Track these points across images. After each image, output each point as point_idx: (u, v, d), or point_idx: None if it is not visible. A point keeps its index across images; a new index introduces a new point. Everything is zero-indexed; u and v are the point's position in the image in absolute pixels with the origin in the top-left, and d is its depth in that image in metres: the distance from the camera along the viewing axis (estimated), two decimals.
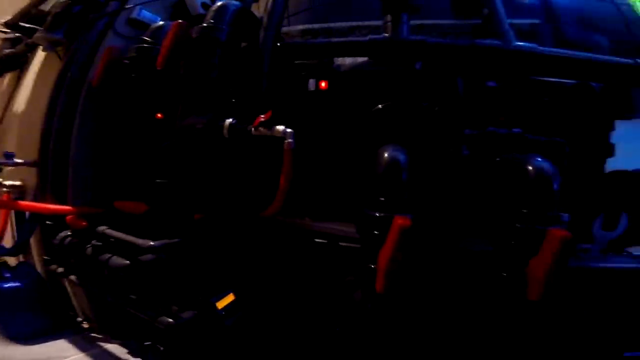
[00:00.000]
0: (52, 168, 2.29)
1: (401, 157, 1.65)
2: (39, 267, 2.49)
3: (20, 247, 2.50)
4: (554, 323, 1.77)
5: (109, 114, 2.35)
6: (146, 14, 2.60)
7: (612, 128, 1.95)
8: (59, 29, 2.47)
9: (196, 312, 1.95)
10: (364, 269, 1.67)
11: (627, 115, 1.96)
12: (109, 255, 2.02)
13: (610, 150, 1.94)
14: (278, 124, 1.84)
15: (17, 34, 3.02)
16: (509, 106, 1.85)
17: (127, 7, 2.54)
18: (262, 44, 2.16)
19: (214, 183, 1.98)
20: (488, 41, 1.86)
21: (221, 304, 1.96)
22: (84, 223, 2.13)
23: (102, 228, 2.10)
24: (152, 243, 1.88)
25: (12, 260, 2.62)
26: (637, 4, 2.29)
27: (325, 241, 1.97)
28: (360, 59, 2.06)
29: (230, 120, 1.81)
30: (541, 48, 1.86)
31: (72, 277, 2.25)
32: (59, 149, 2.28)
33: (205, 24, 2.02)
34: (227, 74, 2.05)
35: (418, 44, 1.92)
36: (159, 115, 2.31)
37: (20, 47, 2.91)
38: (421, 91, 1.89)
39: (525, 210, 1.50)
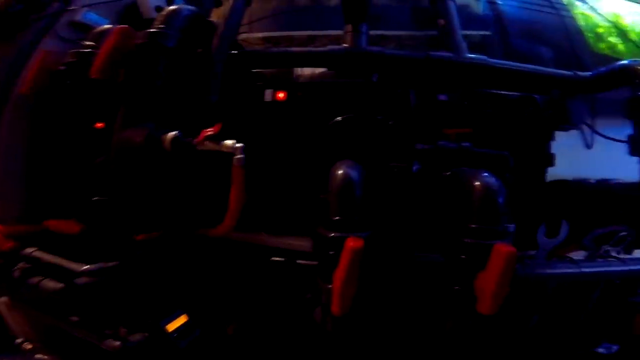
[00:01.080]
0: None
1: (354, 174, 1.52)
2: None
3: None
4: (505, 331, 1.76)
5: (43, 124, 2.04)
6: (92, 17, 2.31)
7: (553, 138, 1.96)
8: None
9: (146, 334, 1.79)
10: (321, 288, 1.58)
11: (566, 126, 1.97)
12: (40, 278, 1.74)
13: (550, 160, 1.95)
14: (230, 137, 1.63)
15: None
16: (459, 119, 1.80)
17: (71, 8, 2.30)
18: (215, 51, 2.01)
19: (156, 200, 1.75)
20: (441, 53, 1.80)
21: (172, 326, 1.77)
22: (9, 244, 1.84)
23: (30, 250, 1.81)
24: (86, 267, 1.64)
25: None
26: (580, 15, 2.34)
27: (282, 259, 1.85)
28: (319, 70, 1.94)
29: (174, 132, 1.59)
30: (492, 60, 1.81)
31: (4, 299, 1.95)
32: None
33: (152, 29, 1.80)
34: (175, 83, 1.82)
35: (375, 56, 1.82)
36: (99, 124, 2.04)
37: None
38: (377, 104, 1.78)
39: (472, 225, 1.46)
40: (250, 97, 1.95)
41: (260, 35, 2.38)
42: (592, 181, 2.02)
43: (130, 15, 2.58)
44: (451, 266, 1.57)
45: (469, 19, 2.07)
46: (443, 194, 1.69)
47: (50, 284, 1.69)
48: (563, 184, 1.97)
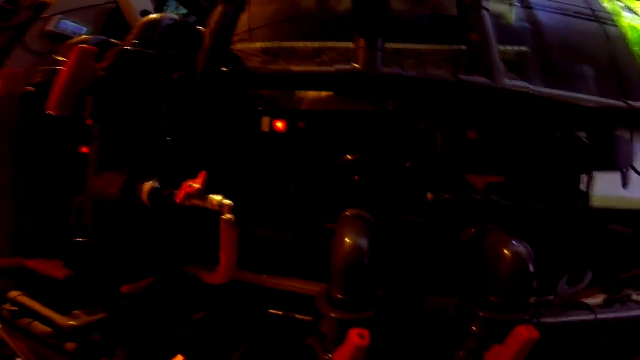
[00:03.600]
0: None
1: (363, 244, 1.12)
2: None
3: None
4: None
5: (23, 153, 1.60)
6: (69, 26, 1.84)
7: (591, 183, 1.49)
8: None
9: None
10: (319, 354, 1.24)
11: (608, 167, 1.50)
12: (30, 320, 1.46)
13: (586, 207, 1.49)
14: (221, 173, 1.27)
15: None
16: (490, 163, 1.34)
17: (42, 17, 1.85)
18: (200, 70, 1.52)
19: (140, 246, 1.38)
20: (475, 78, 1.30)
21: None
22: None
23: (15, 294, 1.50)
24: (72, 323, 1.33)
25: None
26: (628, 27, 1.82)
27: (281, 313, 1.50)
28: (325, 94, 1.45)
29: (152, 183, 1.18)
30: (535, 88, 1.31)
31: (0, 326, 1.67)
32: None
33: (123, 47, 1.36)
34: (153, 112, 1.40)
35: (392, 79, 1.33)
36: (85, 149, 1.59)
37: None
38: (392, 140, 1.35)
39: (492, 299, 1.15)
40: (244, 125, 1.50)
41: (258, 45, 1.92)
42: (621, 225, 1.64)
43: (114, 22, 2.14)
44: (462, 334, 1.24)
45: (502, 30, 1.59)
46: (462, 255, 1.30)
47: (39, 327, 1.42)
48: (594, 231, 1.55)
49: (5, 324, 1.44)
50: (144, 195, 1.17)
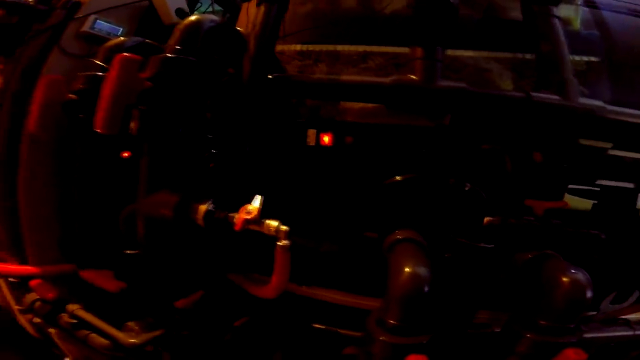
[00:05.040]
0: (5, 224, 1.56)
1: (424, 273, 1.03)
2: (13, 309, 1.81)
3: None
4: None
5: (67, 162, 1.51)
6: (104, 26, 1.67)
7: None
8: None
9: None
10: None
11: None
12: (88, 332, 1.42)
13: None
14: (264, 187, 1.16)
15: None
16: (554, 188, 1.19)
17: (76, 17, 1.67)
18: (247, 76, 1.37)
19: (192, 260, 1.32)
20: (547, 95, 1.12)
21: None
22: (51, 294, 1.48)
23: (73, 307, 1.45)
24: (133, 341, 1.28)
25: None
26: None
27: (324, 327, 1.43)
28: (376, 107, 1.30)
29: (206, 206, 1.09)
30: (613, 108, 1.13)
31: (52, 330, 1.62)
32: (6, 202, 1.52)
33: (166, 55, 1.19)
34: (199, 124, 1.28)
35: (454, 94, 1.18)
36: (125, 154, 1.50)
37: None
38: (449, 160, 1.21)
39: (542, 322, 1.07)
40: (288, 136, 1.37)
41: (295, 47, 1.75)
42: None
43: (148, 20, 1.98)
44: (505, 351, 1.16)
45: (569, 37, 1.39)
46: (514, 278, 1.20)
47: (99, 339, 1.38)
48: None
49: (63, 333, 1.40)
50: (199, 217, 1.09)
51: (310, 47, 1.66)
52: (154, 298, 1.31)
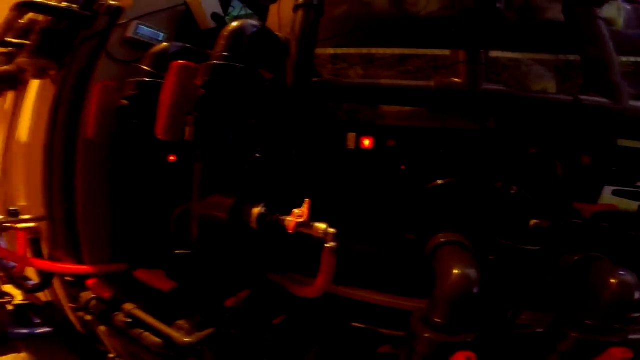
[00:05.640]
0: (63, 225, 1.61)
1: (473, 275, 1.04)
2: (65, 307, 1.93)
3: (45, 283, 1.90)
4: None
5: (119, 166, 1.58)
6: (146, 31, 1.71)
7: None
8: (44, 51, 1.63)
9: None
10: None
11: None
12: (141, 331, 1.46)
13: None
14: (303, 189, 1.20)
15: (9, 49, 2.18)
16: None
17: (120, 23, 1.69)
18: (290, 81, 1.37)
19: (242, 260, 1.36)
20: (596, 98, 1.09)
21: None
22: (107, 294, 1.53)
23: (129, 307, 1.50)
24: (187, 340, 1.30)
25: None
26: None
27: (364, 326, 1.45)
28: (417, 110, 1.32)
29: (259, 209, 1.11)
30: None
31: (102, 328, 1.69)
32: (65, 204, 1.58)
33: (214, 62, 1.21)
34: (247, 129, 1.31)
35: (500, 98, 1.17)
36: (172, 157, 1.57)
37: (12, 65, 2.00)
38: (494, 162, 1.20)
39: (588, 322, 1.06)
40: (328, 140, 1.38)
41: (330, 51, 1.74)
42: None
43: (186, 25, 2.01)
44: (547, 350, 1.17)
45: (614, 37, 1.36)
46: (561, 279, 1.19)
47: (151, 339, 1.42)
48: None
49: (115, 330, 1.46)
50: (253, 220, 1.11)
51: (345, 51, 1.66)
52: (205, 297, 1.35)
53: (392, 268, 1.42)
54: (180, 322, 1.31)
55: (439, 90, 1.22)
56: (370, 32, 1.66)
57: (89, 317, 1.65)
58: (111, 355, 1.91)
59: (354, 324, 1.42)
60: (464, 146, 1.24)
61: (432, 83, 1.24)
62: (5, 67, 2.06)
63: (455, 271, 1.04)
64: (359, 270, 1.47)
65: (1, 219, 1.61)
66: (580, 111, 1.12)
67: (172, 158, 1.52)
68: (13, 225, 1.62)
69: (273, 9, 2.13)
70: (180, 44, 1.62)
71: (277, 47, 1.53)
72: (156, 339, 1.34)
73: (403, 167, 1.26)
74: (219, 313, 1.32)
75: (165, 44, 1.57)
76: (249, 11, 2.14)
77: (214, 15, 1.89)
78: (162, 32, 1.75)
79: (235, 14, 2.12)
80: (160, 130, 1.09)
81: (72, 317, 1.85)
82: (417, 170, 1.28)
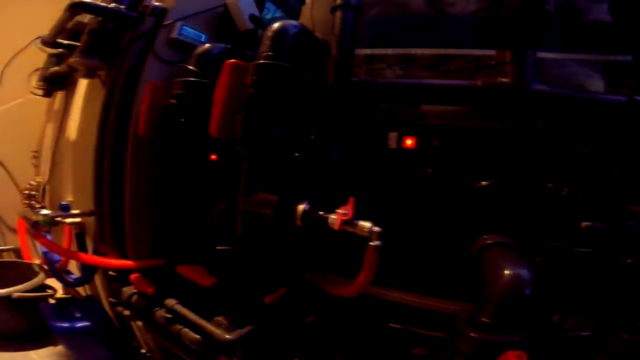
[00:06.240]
0: (110, 219, 1.66)
1: (526, 276, 1.00)
2: (104, 301, 2.00)
3: (87, 277, 1.97)
4: None
5: (160, 161, 1.61)
6: (189, 32, 1.75)
7: None
8: (94, 52, 1.69)
9: None
10: None
11: None
12: (180, 327, 1.46)
13: None
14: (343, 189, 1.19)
15: (60, 50, 2.23)
16: None
17: (165, 23, 1.73)
18: (332, 81, 1.36)
19: (282, 257, 1.36)
20: None
21: None
22: (150, 290, 1.54)
23: (171, 302, 1.50)
24: (228, 337, 1.29)
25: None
26: None
27: (401, 327, 1.43)
28: (461, 110, 1.30)
29: (304, 206, 1.12)
30: None
31: (139, 323, 1.75)
32: (113, 199, 1.62)
33: (261, 60, 1.23)
34: (290, 128, 1.30)
35: (551, 97, 1.16)
36: (213, 156, 1.58)
37: (63, 66, 2.12)
38: (543, 163, 1.16)
39: None
40: (368, 140, 1.37)
41: (366, 51, 1.73)
42: None
43: (224, 25, 2.04)
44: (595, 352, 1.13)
45: None
46: (615, 281, 1.15)
47: (191, 335, 1.42)
48: None
49: (152, 326, 1.50)
50: (297, 217, 1.12)
51: (382, 51, 1.65)
52: (245, 293, 1.37)
53: (429, 269, 1.40)
54: (219, 319, 1.32)
55: (487, 90, 1.20)
56: (408, 33, 1.65)
57: (127, 312, 1.70)
58: (143, 351, 1.97)
59: (391, 324, 1.41)
60: (511, 146, 1.21)
61: (479, 82, 1.22)
62: (56, 68, 2.16)
63: (507, 272, 1.01)
64: (394, 270, 1.46)
65: (53, 213, 1.68)
66: (636, 112, 1.07)
67: (213, 156, 1.54)
68: (63, 219, 1.70)
69: (304, 10, 2.16)
70: (223, 45, 1.66)
71: (316, 47, 1.54)
72: (195, 336, 1.35)
73: (445, 168, 1.24)
74: (259, 310, 1.33)
75: (208, 44, 1.61)
76: (282, 13, 2.15)
77: (252, 17, 1.92)
78: (204, 33, 1.80)
79: (269, 16, 2.14)
80: (214, 128, 1.11)
81: (110, 311, 1.91)
82: (462, 170, 1.26)
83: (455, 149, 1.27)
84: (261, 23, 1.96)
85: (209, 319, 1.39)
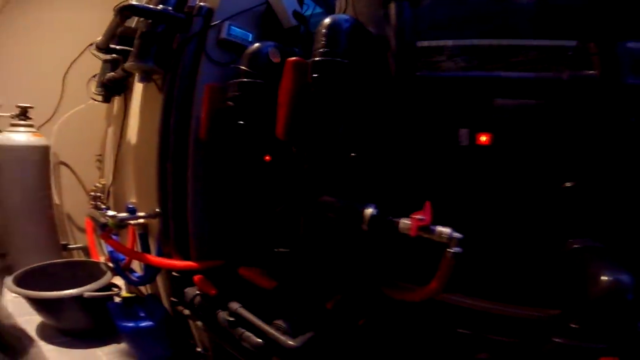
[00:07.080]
0: (174, 221, 1.68)
1: (627, 281, 0.89)
2: (164, 300, 2.07)
3: (151, 276, 2.05)
4: None
5: (218, 163, 1.63)
6: (237, 32, 1.71)
7: None
8: (148, 55, 1.70)
9: None
10: None
11: None
12: (243, 330, 1.47)
13: None
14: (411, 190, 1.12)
15: (114, 56, 2.28)
16: None
17: (213, 24, 1.69)
18: (394, 74, 1.28)
19: (345, 264, 1.31)
20: None
21: None
22: (213, 291, 1.56)
23: (235, 305, 1.51)
24: (292, 343, 1.28)
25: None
26: None
27: (469, 332, 1.36)
28: (540, 104, 1.18)
29: (372, 210, 1.06)
30: None
31: (199, 323, 1.77)
32: (177, 200, 1.64)
33: (317, 58, 1.16)
34: (349, 126, 1.23)
35: None
36: (267, 157, 1.55)
37: (118, 71, 2.19)
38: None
39: None
40: (436, 137, 1.27)
41: (423, 43, 1.61)
42: None
43: (268, 23, 1.99)
44: None
45: None
46: None
47: (253, 339, 1.42)
48: None
49: (211, 327, 1.50)
50: (365, 221, 1.07)
51: (442, 43, 1.52)
52: (306, 297, 1.34)
53: (501, 274, 1.30)
54: (278, 322, 1.31)
55: (573, 82, 1.07)
56: (470, 23, 1.51)
57: (187, 312, 1.73)
58: (198, 349, 2.02)
59: (460, 329, 1.33)
60: (598, 143, 1.08)
61: (564, 75, 1.09)
62: (112, 74, 2.21)
63: (606, 277, 0.91)
64: (464, 275, 1.37)
65: (121, 215, 1.73)
66: None
67: (267, 158, 1.52)
68: (130, 221, 1.74)
69: (339, 4, 2.06)
70: (272, 43, 1.60)
71: (370, 41, 1.45)
72: (256, 339, 1.34)
73: (525, 166, 1.13)
74: (320, 314, 1.30)
75: (257, 43, 1.56)
76: (322, 9, 2.07)
77: (295, 13, 1.85)
78: (251, 32, 1.75)
79: (309, 12, 2.06)
80: (281, 130, 1.06)
81: (169, 309, 1.96)
82: (544, 169, 1.13)
83: (535, 146, 1.15)
84: (304, 20, 1.88)
85: (267, 322, 1.38)
